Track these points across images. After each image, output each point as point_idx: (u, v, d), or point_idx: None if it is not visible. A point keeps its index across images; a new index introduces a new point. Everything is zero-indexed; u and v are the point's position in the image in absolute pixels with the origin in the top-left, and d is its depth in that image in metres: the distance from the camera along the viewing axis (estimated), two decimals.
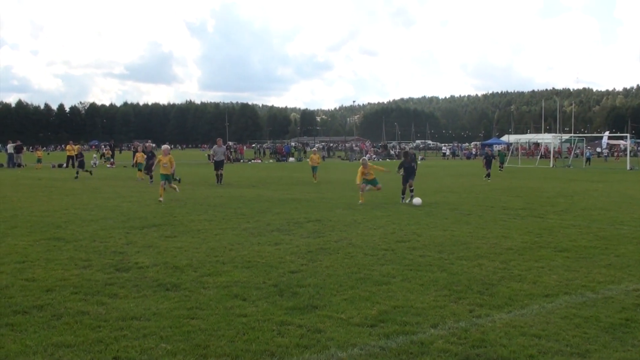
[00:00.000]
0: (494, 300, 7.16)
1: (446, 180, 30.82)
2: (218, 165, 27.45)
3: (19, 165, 43.11)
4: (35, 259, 9.45)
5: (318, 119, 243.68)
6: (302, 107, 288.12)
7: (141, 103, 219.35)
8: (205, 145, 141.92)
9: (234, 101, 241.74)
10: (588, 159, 55.32)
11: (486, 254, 10.10)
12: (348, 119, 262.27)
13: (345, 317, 6.41)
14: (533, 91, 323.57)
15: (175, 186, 19.95)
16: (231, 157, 58.50)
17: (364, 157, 20.56)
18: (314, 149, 41.13)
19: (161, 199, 18.30)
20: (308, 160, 29.10)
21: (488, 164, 30.79)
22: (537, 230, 12.80)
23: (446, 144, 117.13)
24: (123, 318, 6.32)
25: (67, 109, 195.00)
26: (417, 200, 17.74)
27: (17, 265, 8.92)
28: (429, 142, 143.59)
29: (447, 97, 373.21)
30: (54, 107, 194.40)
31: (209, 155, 61.08)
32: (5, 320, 6.24)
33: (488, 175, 30.58)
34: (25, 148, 61.26)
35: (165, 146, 20.71)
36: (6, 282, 7.86)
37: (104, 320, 6.26)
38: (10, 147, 45.61)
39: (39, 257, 9.60)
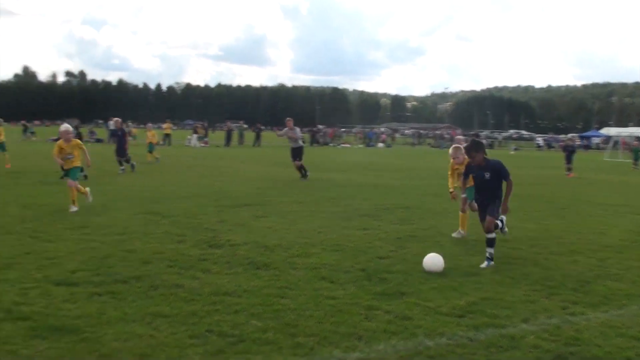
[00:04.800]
0: (589, 298, 6.89)
1: (541, 172, 29.84)
2: (295, 153, 20.64)
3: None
4: (133, 231, 9.89)
5: (409, 105, 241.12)
6: (393, 92, 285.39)
7: (233, 84, 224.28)
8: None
9: (325, 85, 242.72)
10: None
11: (581, 250, 9.72)
12: (439, 106, 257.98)
13: (433, 305, 6.35)
14: (637, 82, 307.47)
15: (85, 190, 12.61)
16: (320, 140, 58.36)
17: None
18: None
19: (75, 208, 11.91)
20: None
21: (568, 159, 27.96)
22: (638, 228, 12.19)
23: (540, 135, 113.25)
24: (215, 293, 6.52)
25: (164, 88, 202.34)
26: None
27: (118, 237, 9.38)
28: (523, 132, 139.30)
29: (544, 87, 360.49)
30: (152, 86, 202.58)
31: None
32: (107, 288, 6.58)
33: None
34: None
35: (65, 126, 12.94)
36: (107, 252, 8.28)
37: (198, 294, 6.48)
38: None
39: (137, 229, 10.04)
